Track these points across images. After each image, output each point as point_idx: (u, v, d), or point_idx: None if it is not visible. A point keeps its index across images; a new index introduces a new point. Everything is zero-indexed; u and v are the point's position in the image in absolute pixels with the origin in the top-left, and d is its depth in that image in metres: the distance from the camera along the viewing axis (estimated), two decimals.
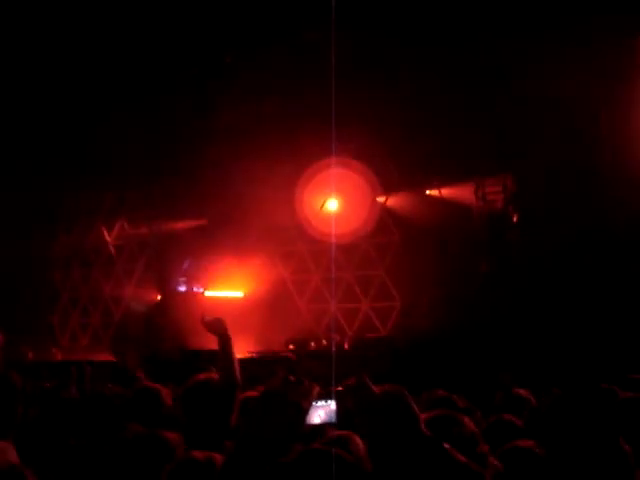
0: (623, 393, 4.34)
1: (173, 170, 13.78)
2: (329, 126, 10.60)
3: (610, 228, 10.00)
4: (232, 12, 9.64)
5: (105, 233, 16.81)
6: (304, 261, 14.62)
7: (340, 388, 2.56)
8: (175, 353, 11.72)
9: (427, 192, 13.04)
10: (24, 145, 12.77)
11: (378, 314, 13.59)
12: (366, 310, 13.77)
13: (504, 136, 11.05)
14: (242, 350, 11.67)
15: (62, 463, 3.53)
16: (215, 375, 3.99)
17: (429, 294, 11.96)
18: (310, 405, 2.25)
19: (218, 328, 4.13)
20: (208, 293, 15.15)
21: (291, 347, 12.41)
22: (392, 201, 13.60)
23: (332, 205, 13.33)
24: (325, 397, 2.51)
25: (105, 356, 12.51)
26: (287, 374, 2.29)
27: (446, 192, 12.73)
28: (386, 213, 13.62)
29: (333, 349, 12.40)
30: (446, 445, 2.46)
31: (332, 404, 2.53)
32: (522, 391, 5.01)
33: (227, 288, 15.04)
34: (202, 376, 3.91)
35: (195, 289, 15.20)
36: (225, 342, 4.08)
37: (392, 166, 13.02)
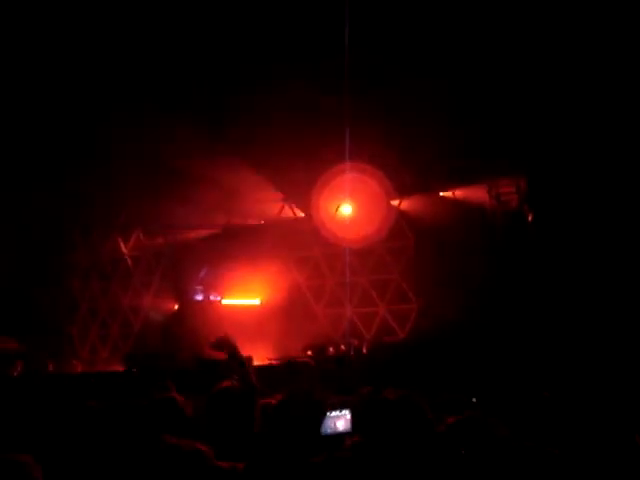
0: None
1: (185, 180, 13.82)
2: (343, 131, 10.67)
3: (627, 226, 9.94)
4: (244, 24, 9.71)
5: (122, 244, 16.90)
6: (319, 266, 14.65)
7: (355, 397, 2.60)
8: (192, 362, 11.77)
9: (441, 194, 13.05)
10: (41, 158, 12.89)
11: (395, 317, 13.59)
12: (383, 314, 13.77)
13: (517, 136, 11.02)
14: (261, 357, 11.72)
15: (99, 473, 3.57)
16: (236, 383, 4.03)
17: (446, 296, 11.94)
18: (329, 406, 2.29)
19: (225, 345, 4.20)
20: (225, 301, 15.21)
21: (309, 353, 12.43)
22: (406, 204, 13.61)
23: (346, 210, 13.37)
24: (340, 407, 2.55)
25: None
26: (309, 378, 2.34)
27: (460, 194, 12.73)
28: (400, 216, 13.63)
29: (352, 353, 12.39)
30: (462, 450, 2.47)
31: (347, 414, 2.57)
32: None
33: (244, 296, 15.09)
34: (225, 384, 3.95)
35: (212, 298, 15.27)
36: (234, 355, 4.15)
37: (405, 169, 13.02)
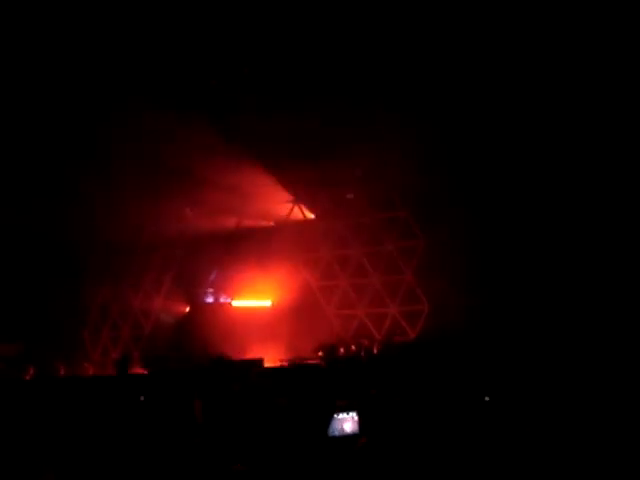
0: None
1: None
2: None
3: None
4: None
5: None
6: (330, 267, 14.63)
7: (362, 400, 2.59)
8: (208, 362, 11.78)
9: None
10: (41, 158, 12.94)
11: (407, 318, 13.55)
12: (394, 314, 13.73)
13: None
14: (273, 359, 11.73)
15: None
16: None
17: (457, 296, 11.89)
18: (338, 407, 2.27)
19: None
20: (235, 303, 15.22)
21: (320, 354, 12.41)
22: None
23: None
24: (348, 409, 2.54)
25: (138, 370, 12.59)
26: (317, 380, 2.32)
27: None
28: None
29: (362, 354, 12.35)
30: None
31: (354, 415, 2.56)
32: None
33: (254, 297, 15.09)
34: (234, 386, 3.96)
35: (222, 299, 15.28)
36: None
37: None
